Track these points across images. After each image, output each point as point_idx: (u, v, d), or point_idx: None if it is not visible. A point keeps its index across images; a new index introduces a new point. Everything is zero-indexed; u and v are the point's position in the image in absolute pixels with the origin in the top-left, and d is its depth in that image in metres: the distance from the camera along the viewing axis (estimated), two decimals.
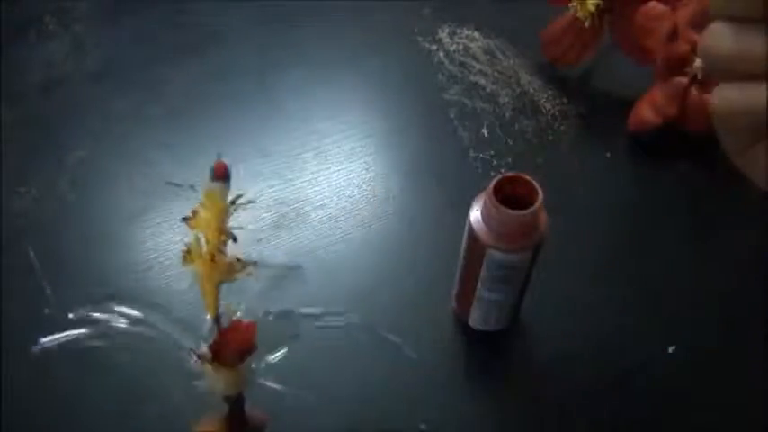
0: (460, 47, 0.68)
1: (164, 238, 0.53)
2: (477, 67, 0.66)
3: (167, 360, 0.33)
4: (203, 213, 0.30)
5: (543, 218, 0.39)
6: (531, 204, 0.37)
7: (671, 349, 0.48)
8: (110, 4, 0.72)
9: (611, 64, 0.64)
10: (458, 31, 0.70)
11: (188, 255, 0.30)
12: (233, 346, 0.31)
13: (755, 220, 0.55)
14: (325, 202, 0.55)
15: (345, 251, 0.52)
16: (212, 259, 0.30)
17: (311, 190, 0.56)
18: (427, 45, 0.68)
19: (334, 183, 0.57)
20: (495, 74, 0.66)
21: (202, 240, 0.30)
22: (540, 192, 0.37)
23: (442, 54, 0.67)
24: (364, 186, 0.57)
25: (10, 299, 0.49)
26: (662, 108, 0.56)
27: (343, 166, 0.58)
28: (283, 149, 0.59)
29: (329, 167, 0.58)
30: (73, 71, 0.65)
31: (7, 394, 0.44)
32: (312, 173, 0.57)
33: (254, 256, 0.31)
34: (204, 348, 0.32)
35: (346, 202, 0.55)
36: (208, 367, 0.32)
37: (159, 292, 0.50)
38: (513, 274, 0.41)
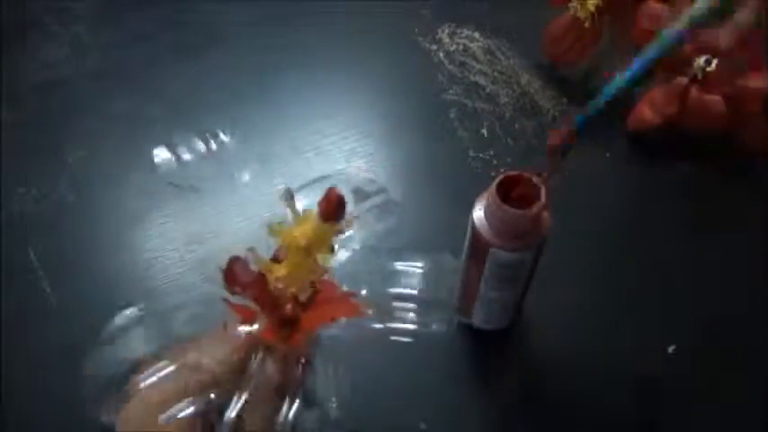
0: (460, 47, 0.68)
1: (164, 238, 0.53)
2: (477, 67, 0.66)
3: None
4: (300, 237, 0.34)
5: (546, 217, 0.39)
6: (534, 203, 0.37)
7: (671, 349, 0.48)
8: (110, 4, 0.72)
9: (611, 64, 0.64)
10: (458, 31, 0.70)
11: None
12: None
13: (755, 220, 0.55)
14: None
15: (345, 251, 0.52)
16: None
17: (311, 190, 0.56)
18: (427, 45, 0.68)
19: (334, 182, 0.57)
20: (495, 74, 0.66)
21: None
22: (542, 190, 0.37)
23: (442, 54, 0.67)
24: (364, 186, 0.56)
25: (10, 299, 0.49)
26: (662, 108, 0.56)
27: (344, 166, 0.58)
28: (284, 149, 0.59)
29: (329, 167, 0.58)
30: (73, 71, 0.65)
31: (7, 394, 0.44)
32: (312, 173, 0.57)
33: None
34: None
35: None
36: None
37: (160, 292, 0.50)
38: (516, 272, 0.41)
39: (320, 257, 0.35)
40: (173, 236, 0.53)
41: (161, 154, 0.58)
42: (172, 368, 0.33)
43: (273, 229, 0.34)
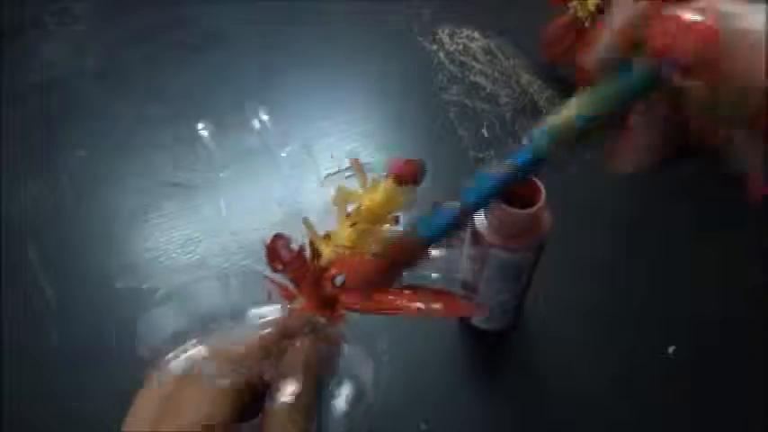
0: (460, 47, 0.68)
1: (164, 238, 0.53)
2: (477, 67, 0.66)
3: None
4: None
5: (546, 217, 0.39)
6: (534, 203, 0.37)
7: (671, 349, 0.48)
8: (110, 4, 0.72)
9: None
10: (458, 31, 0.70)
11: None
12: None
13: (756, 221, 0.55)
14: (324, 202, 0.55)
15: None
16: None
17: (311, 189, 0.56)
18: (427, 45, 0.68)
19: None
20: (495, 74, 0.66)
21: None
22: (542, 190, 0.37)
23: (442, 54, 0.67)
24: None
25: (10, 299, 0.49)
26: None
27: (343, 166, 0.58)
28: (284, 149, 0.59)
29: (329, 167, 0.58)
30: (73, 71, 0.65)
31: (7, 394, 0.44)
32: (312, 173, 0.57)
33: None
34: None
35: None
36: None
37: (160, 291, 0.49)
38: (516, 273, 0.41)
39: (386, 227, 0.34)
40: (172, 235, 0.53)
41: (161, 154, 0.58)
42: (194, 353, 0.32)
43: (342, 192, 0.34)
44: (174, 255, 0.52)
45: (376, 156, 0.56)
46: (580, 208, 0.55)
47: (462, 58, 0.67)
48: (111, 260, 0.52)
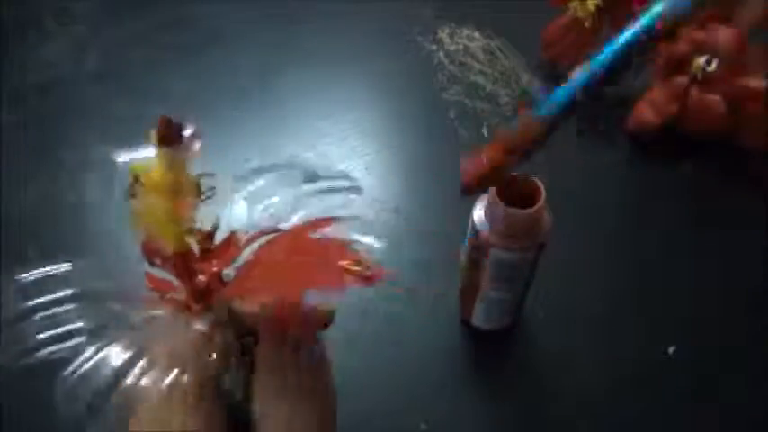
0: (460, 47, 0.68)
1: None
2: (477, 67, 0.66)
3: None
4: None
5: (546, 217, 0.39)
6: (534, 203, 0.37)
7: (671, 349, 0.48)
8: (110, 4, 0.72)
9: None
10: (458, 31, 0.70)
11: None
12: None
13: (756, 221, 0.55)
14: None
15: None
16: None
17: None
18: (427, 45, 0.68)
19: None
20: (495, 74, 0.66)
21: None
22: (543, 190, 0.37)
23: (441, 54, 0.67)
24: (364, 186, 0.56)
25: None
26: (662, 108, 0.56)
27: (344, 166, 0.58)
28: (284, 149, 0.59)
29: (329, 168, 0.58)
30: (73, 71, 0.65)
31: (7, 395, 0.44)
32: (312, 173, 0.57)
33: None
34: None
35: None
36: None
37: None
38: (516, 272, 0.41)
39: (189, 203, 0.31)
40: None
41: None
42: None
43: (135, 167, 0.31)
44: None
45: None
46: (579, 208, 0.55)
47: (462, 58, 0.67)
48: (111, 260, 0.52)
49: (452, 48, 0.68)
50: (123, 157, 0.33)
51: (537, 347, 0.49)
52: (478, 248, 0.40)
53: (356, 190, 0.36)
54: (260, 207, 0.33)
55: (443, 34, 0.70)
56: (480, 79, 0.66)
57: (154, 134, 0.30)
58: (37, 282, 0.34)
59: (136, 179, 0.30)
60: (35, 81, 0.64)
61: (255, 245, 0.32)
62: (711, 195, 0.57)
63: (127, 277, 0.51)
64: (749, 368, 0.47)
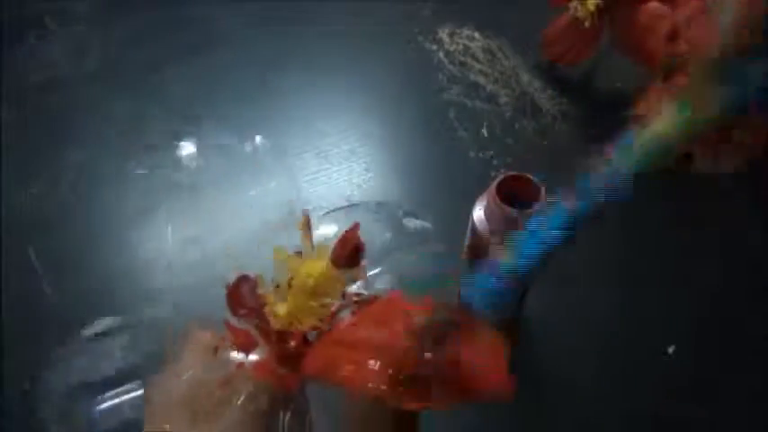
0: (460, 47, 0.68)
1: (164, 238, 0.53)
2: (477, 67, 0.66)
3: None
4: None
5: None
6: (534, 203, 0.37)
7: (671, 349, 0.48)
8: (110, 4, 0.72)
9: (611, 64, 0.64)
10: (458, 31, 0.70)
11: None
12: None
13: (756, 221, 0.55)
14: (324, 202, 0.55)
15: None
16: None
17: (311, 190, 0.56)
18: (427, 45, 0.68)
19: (333, 182, 0.57)
20: (496, 74, 0.66)
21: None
22: (542, 190, 0.37)
23: (441, 54, 0.67)
24: (364, 186, 0.57)
25: (10, 299, 0.49)
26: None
27: (343, 166, 0.58)
28: (284, 149, 0.59)
29: (329, 167, 0.58)
30: (73, 71, 0.65)
31: (7, 396, 0.44)
32: (312, 173, 0.57)
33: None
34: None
35: (346, 201, 0.55)
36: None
37: (160, 291, 0.50)
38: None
39: (328, 301, 0.30)
40: (172, 236, 0.53)
41: (161, 154, 0.58)
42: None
43: (280, 255, 0.30)
44: (174, 255, 0.52)
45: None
46: None
47: (462, 58, 0.67)
48: (111, 260, 0.52)
49: (452, 48, 0.68)
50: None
51: (537, 347, 0.49)
52: (478, 248, 0.40)
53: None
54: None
55: (443, 34, 0.70)
56: (480, 79, 0.66)
57: (303, 220, 0.30)
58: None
59: (289, 282, 0.30)
60: (35, 81, 0.64)
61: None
62: (711, 195, 0.57)
63: (127, 281, 0.51)
64: (749, 368, 0.47)
